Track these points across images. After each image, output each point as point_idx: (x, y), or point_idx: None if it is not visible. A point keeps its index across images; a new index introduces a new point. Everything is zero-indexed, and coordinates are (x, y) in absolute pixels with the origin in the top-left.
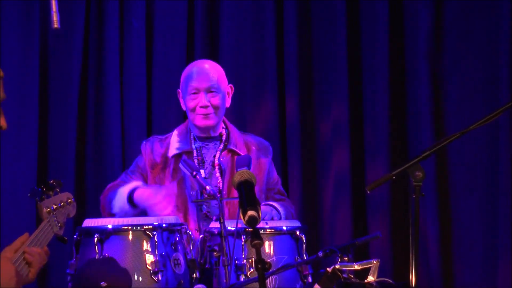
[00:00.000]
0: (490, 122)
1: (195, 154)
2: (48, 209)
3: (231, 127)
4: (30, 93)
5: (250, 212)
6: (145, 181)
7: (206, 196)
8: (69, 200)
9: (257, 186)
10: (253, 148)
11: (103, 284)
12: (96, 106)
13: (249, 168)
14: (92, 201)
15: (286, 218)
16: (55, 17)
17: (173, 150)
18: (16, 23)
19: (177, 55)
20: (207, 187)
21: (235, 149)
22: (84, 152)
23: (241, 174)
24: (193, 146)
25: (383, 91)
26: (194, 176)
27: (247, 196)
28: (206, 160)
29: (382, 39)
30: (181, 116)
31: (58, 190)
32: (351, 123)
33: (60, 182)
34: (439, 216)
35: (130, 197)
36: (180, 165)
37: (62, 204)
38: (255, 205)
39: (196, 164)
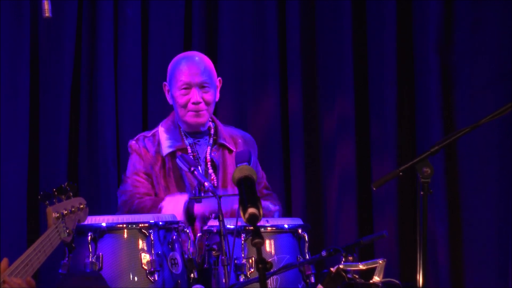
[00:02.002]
0: (503, 116)
1: (190, 151)
2: (58, 215)
3: (217, 120)
4: (20, 87)
5: (251, 210)
6: (151, 182)
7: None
8: (81, 206)
9: None
10: (239, 141)
11: None
12: (89, 100)
13: (249, 163)
14: (85, 198)
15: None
16: (46, 6)
17: (166, 149)
18: (5, 12)
19: (175, 45)
20: (206, 184)
21: (225, 143)
22: (77, 147)
23: (241, 170)
24: (186, 142)
25: (391, 84)
26: (192, 172)
27: (248, 193)
28: (200, 157)
29: (389, 30)
30: None
31: (71, 194)
32: (357, 117)
33: (74, 185)
34: (448, 214)
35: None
36: (177, 161)
37: (73, 209)
38: (255, 202)
39: (193, 159)
